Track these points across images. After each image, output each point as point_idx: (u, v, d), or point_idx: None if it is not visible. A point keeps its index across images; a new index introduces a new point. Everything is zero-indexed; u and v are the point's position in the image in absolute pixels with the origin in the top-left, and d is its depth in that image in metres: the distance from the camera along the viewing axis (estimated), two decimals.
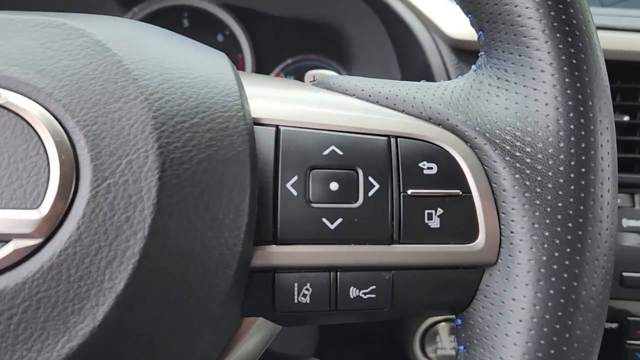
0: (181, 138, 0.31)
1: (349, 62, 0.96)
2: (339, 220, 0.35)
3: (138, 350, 0.31)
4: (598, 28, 0.38)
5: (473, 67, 0.40)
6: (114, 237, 0.29)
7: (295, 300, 0.35)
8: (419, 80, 0.41)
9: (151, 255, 0.30)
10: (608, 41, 0.76)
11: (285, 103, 0.37)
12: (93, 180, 0.29)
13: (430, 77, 0.82)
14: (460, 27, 0.80)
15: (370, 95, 0.39)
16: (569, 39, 0.35)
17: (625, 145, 0.80)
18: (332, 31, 0.94)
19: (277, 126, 0.36)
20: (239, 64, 0.93)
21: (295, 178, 0.35)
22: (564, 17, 0.35)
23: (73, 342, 0.28)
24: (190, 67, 0.35)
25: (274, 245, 0.34)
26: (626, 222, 0.78)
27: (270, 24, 0.92)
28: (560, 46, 0.35)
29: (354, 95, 0.40)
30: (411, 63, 0.86)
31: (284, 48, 0.93)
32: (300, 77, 0.93)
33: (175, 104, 0.32)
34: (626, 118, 0.76)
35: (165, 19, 0.91)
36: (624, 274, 0.77)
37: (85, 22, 0.34)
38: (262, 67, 0.92)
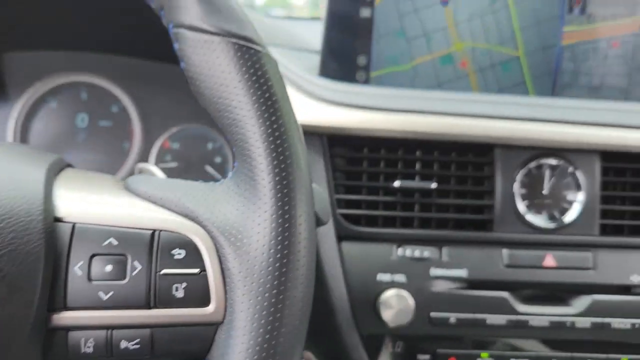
0: None
1: None
2: (111, 293, 0.48)
3: None
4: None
5: (230, 173, 0.54)
6: None
7: (82, 351, 0.48)
8: None
9: None
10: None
11: (85, 205, 0.51)
12: None
13: None
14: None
15: (156, 200, 0.53)
16: (282, 165, 0.50)
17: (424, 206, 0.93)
18: None
19: (74, 224, 0.49)
20: (130, 134, 1.07)
21: (82, 262, 0.48)
22: (280, 149, 0.50)
23: None
24: (3, 178, 0.48)
25: (65, 311, 0.47)
26: (433, 272, 0.91)
27: (157, 97, 1.05)
28: (277, 170, 0.50)
29: (147, 199, 0.53)
30: None
31: (169, 117, 1.06)
32: (186, 144, 1.07)
33: None
34: (434, 185, 0.91)
35: (65, 93, 1.04)
36: (432, 314, 0.90)
37: None
38: (151, 135, 1.06)
